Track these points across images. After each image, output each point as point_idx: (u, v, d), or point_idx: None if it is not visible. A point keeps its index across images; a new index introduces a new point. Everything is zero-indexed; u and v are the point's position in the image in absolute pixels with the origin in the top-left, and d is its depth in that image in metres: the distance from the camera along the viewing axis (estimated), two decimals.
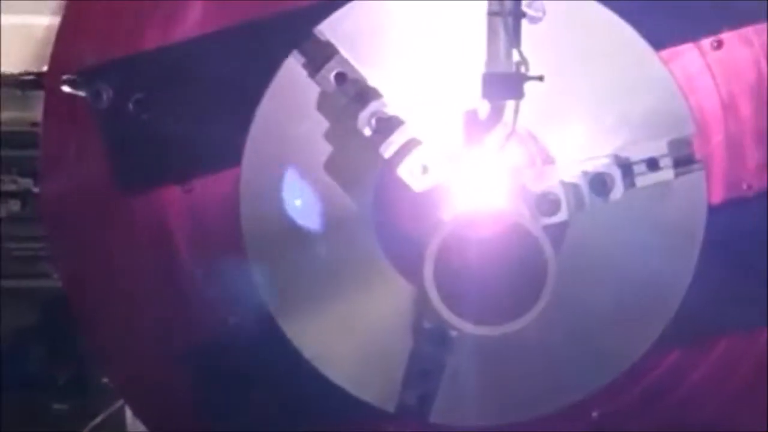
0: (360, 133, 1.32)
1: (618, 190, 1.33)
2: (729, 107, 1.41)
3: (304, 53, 1.36)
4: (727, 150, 1.42)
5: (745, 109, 1.42)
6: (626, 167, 1.35)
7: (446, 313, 1.13)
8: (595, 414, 1.47)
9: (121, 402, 1.90)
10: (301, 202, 1.38)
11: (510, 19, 1.19)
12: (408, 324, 1.39)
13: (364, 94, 1.33)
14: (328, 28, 1.35)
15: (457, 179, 1.27)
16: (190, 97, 1.38)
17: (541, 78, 1.23)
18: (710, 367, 1.47)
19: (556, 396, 1.42)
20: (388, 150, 1.31)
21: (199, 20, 1.37)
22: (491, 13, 1.22)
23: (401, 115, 1.32)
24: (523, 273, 1.12)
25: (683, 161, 1.37)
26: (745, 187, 1.44)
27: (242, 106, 1.37)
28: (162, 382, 1.48)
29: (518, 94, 1.22)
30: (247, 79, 1.37)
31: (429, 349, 1.37)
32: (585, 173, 1.33)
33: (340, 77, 1.34)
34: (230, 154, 1.38)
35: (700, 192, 1.38)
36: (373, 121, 1.32)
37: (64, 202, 1.42)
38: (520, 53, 1.21)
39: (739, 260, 1.45)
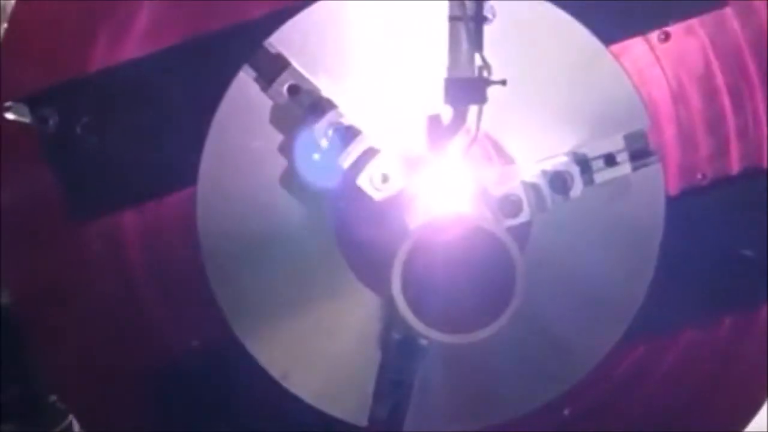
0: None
1: (578, 188, 1.33)
2: (679, 98, 1.42)
3: (255, 67, 1.34)
4: (680, 140, 1.43)
5: (695, 99, 1.42)
6: (584, 164, 1.34)
7: (416, 323, 1.12)
8: (566, 411, 1.47)
9: (69, 420, 1.85)
10: (259, 217, 1.36)
11: (472, 24, 1.18)
12: (376, 335, 1.37)
13: (319, 106, 1.31)
14: (279, 40, 1.33)
15: (421, 186, 1.26)
16: (140, 118, 1.35)
17: (503, 82, 1.22)
18: (676, 359, 1.48)
19: (527, 397, 1.41)
20: (346, 161, 1.30)
21: (146, 39, 1.34)
22: (452, 18, 1.21)
23: (358, 124, 1.31)
24: (491, 278, 1.11)
25: (639, 155, 1.38)
26: (699, 176, 1.45)
27: (194, 124, 1.35)
28: (121, 406, 1.45)
29: (481, 99, 1.22)
30: (198, 97, 1.34)
31: (398, 361, 1.36)
32: (544, 172, 1.32)
33: (293, 89, 1.33)
34: (184, 174, 1.36)
35: (658, 184, 1.39)
36: (330, 132, 1.31)
37: (15, 226, 1.38)
38: (483, 58, 1.20)
39: (698, 250, 1.46)
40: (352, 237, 1.36)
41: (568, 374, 1.41)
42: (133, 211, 1.37)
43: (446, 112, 1.26)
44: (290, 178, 1.35)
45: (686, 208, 1.44)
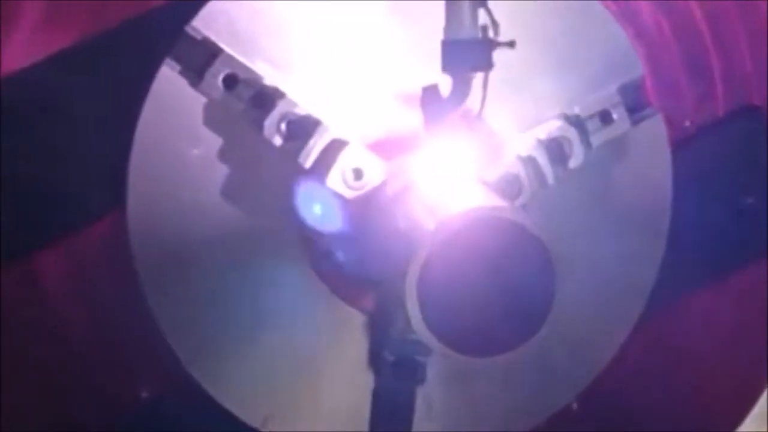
0: (268, 144, 1.08)
1: (578, 155, 1.14)
2: (659, 43, 1.24)
3: (178, 59, 1.10)
4: (661, 88, 1.26)
5: (677, 44, 1.26)
6: (580, 126, 1.15)
7: (438, 345, 0.91)
8: (575, 405, 1.29)
9: None
10: (207, 239, 1.13)
11: None
12: (363, 359, 1.16)
13: (265, 96, 1.09)
14: (204, 23, 1.10)
15: (413, 176, 1.04)
16: (44, 136, 1.10)
17: (512, 44, 1.02)
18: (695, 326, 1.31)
19: (542, 406, 1.22)
20: (308, 158, 1.08)
21: (38, 38, 1.09)
22: None
23: (316, 113, 1.08)
24: (525, 284, 0.91)
25: (637, 107, 1.19)
26: (687, 123, 1.28)
27: (113, 136, 1.10)
28: None
29: (487, 64, 1.00)
30: (114, 103, 1.10)
31: (395, 385, 1.15)
32: (539, 142, 1.13)
33: (230, 80, 1.09)
34: (110, 198, 1.12)
35: (660, 138, 1.21)
36: (283, 126, 1.08)
37: None
38: (489, 13, 0.99)
39: (698, 206, 1.29)
40: (325, 246, 1.13)
41: (587, 371, 1.22)
42: (52, 250, 1.12)
43: (444, 82, 1.04)
44: (240, 189, 1.12)
45: (677, 160, 1.27)
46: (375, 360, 1.16)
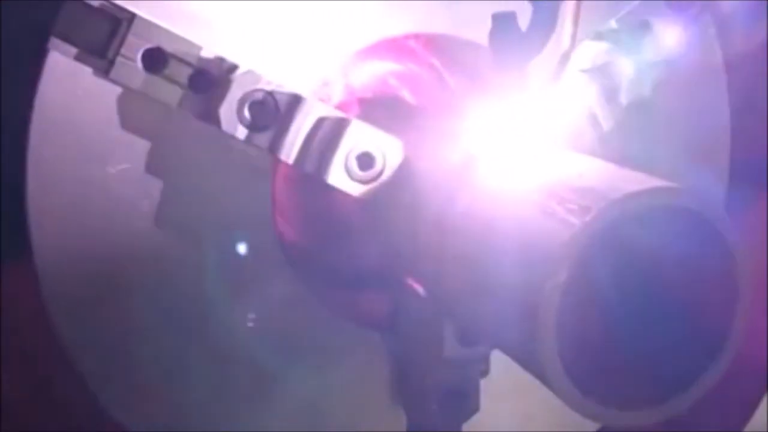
0: (228, 138, 0.75)
1: (628, 87, 0.85)
2: None
3: (69, 37, 0.74)
4: None
5: None
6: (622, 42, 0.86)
7: (587, 407, 0.60)
8: None
9: None
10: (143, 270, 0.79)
11: None
12: (381, 388, 0.86)
13: (210, 73, 0.74)
14: None
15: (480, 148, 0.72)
16: None
17: None
18: None
19: None
20: (291, 150, 0.75)
21: None
22: None
23: (290, 86, 0.75)
24: (699, 303, 0.61)
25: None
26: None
27: None
28: None
29: None
30: None
31: (442, 420, 0.84)
32: (589, 73, 0.83)
33: (155, 56, 0.74)
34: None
35: (712, 45, 0.93)
36: (246, 112, 0.75)
37: None
38: None
39: None
40: (314, 256, 0.82)
41: None
42: None
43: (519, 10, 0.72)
44: (186, 203, 0.78)
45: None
46: (407, 393, 0.85)
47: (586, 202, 0.56)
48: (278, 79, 0.74)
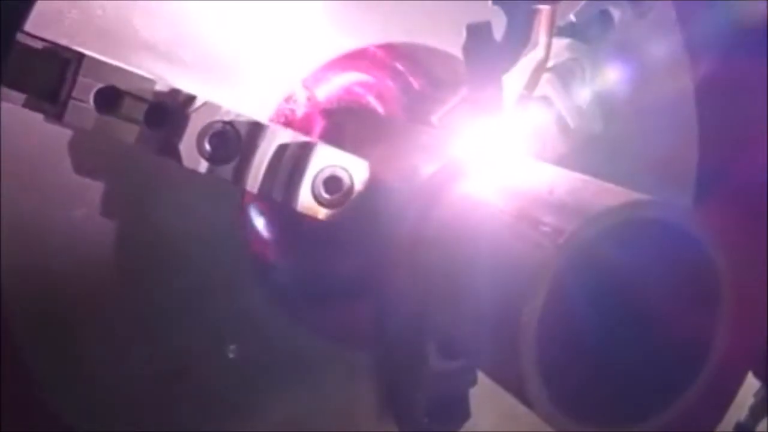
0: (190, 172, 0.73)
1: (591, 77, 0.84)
2: None
3: (15, 83, 0.71)
4: None
5: None
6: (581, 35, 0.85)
7: (567, 424, 0.59)
8: None
9: None
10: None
11: None
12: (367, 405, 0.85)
13: (166, 108, 0.73)
14: (42, 23, 0.72)
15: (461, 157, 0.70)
16: None
17: None
18: None
19: None
20: (256, 182, 0.73)
21: None
22: None
23: (249, 114, 0.74)
24: (675, 317, 0.60)
25: None
26: None
27: None
28: None
29: None
30: None
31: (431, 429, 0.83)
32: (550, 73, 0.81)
33: (107, 95, 0.72)
34: None
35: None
36: (207, 145, 0.73)
37: None
38: None
39: None
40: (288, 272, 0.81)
41: None
42: None
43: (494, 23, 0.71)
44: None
45: None
46: (397, 406, 0.84)
47: (559, 223, 0.54)
48: (237, 108, 0.72)
